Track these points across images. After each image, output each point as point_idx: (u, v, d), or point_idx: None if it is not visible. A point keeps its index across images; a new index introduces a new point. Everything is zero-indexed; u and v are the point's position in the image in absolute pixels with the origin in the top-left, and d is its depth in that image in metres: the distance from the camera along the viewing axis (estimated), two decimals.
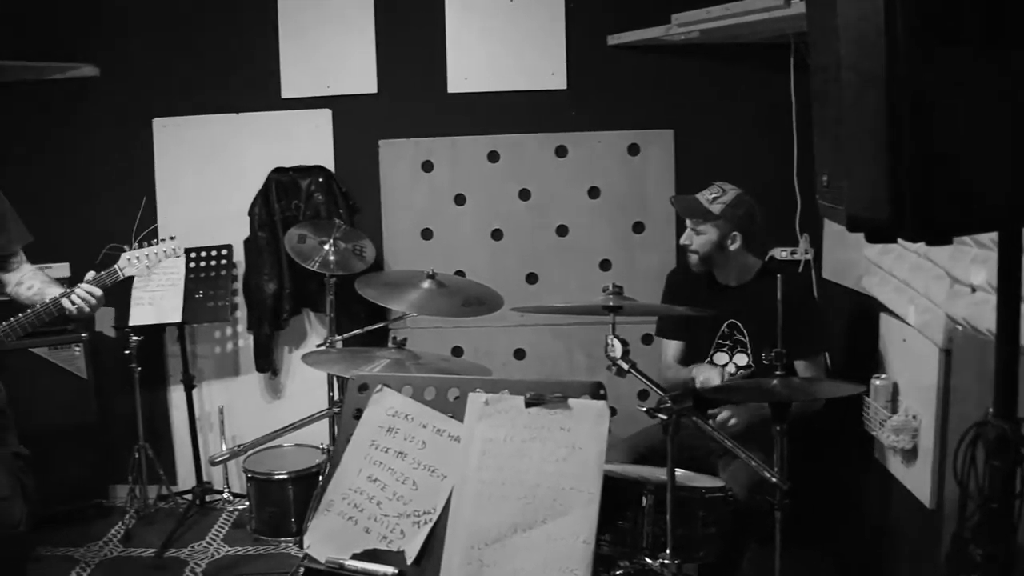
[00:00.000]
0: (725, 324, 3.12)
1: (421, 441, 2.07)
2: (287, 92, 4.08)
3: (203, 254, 4.00)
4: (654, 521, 2.27)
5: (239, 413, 4.26)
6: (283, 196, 4.06)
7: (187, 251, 3.98)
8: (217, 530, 3.91)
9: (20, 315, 2.69)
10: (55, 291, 2.76)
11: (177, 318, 3.89)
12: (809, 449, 3.04)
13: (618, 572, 2.37)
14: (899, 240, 1.59)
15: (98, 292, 2.75)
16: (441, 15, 3.98)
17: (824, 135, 1.46)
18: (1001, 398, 1.44)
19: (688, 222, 3.12)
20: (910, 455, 2.77)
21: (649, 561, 2.25)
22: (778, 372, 2.40)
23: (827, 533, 3.46)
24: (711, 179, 3.18)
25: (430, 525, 1.96)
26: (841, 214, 1.38)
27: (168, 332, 4.18)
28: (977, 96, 1.19)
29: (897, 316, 2.89)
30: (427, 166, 4.08)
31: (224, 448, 4.15)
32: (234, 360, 4.28)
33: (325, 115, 4.09)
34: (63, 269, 3.92)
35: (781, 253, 3.88)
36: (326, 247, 3.60)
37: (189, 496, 4.07)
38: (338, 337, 3.50)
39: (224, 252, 4.02)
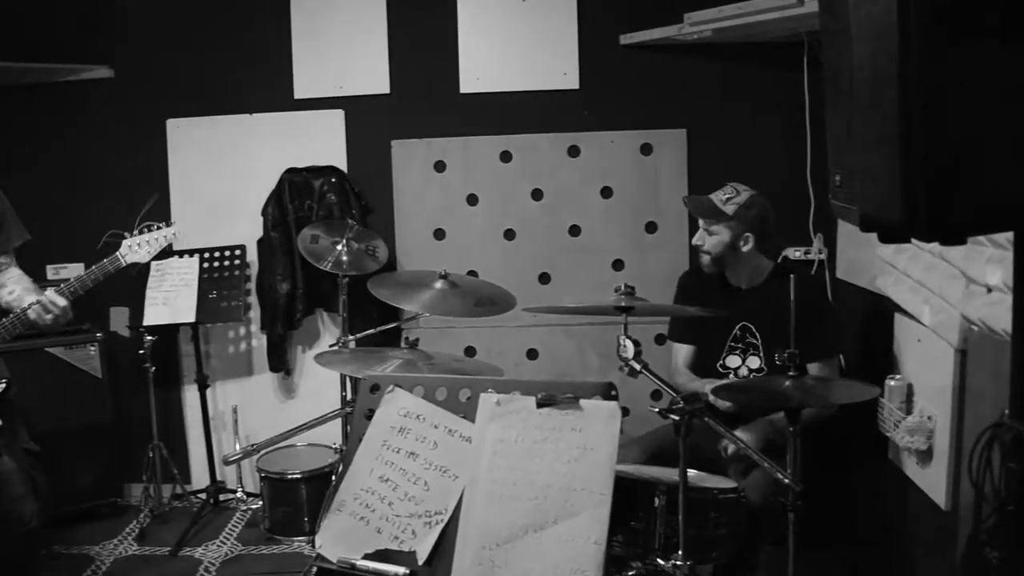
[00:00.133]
0: (737, 327, 3.10)
1: (433, 441, 2.07)
2: (300, 93, 4.10)
3: (216, 254, 4.03)
4: (666, 522, 2.26)
5: (252, 413, 4.28)
6: (296, 196, 4.08)
7: (200, 251, 4.02)
8: (231, 529, 3.93)
9: None
10: (33, 299, 2.75)
11: (191, 318, 3.91)
12: (823, 450, 3.02)
13: (630, 573, 2.35)
14: (913, 240, 1.58)
15: (60, 302, 2.71)
16: (453, 15, 3.99)
17: (837, 134, 1.45)
18: (1017, 399, 1.43)
19: (701, 222, 3.11)
20: (925, 456, 2.75)
21: (661, 562, 2.24)
22: (791, 373, 2.38)
23: (841, 535, 3.44)
24: (724, 179, 3.16)
25: (441, 525, 1.96)
26: (854, 214, 1.37)
27: (182, 332, 4.20)
28: (990, 93, 1.18)
29: (912, 316, 2.87)
30: (439, 166, 4.09)
31: (237, 447, 4.17)
32: (247, 360, 4.30)
33: (338, 115, 4.10)
34: (78, 269, 3.94)
35: (795, 253, 3.87)
36: (339, 247, 3.60)
37: (203, 495, 4.09)
38: (351, 337, 3.51)
39: (237, 252, 4.04)
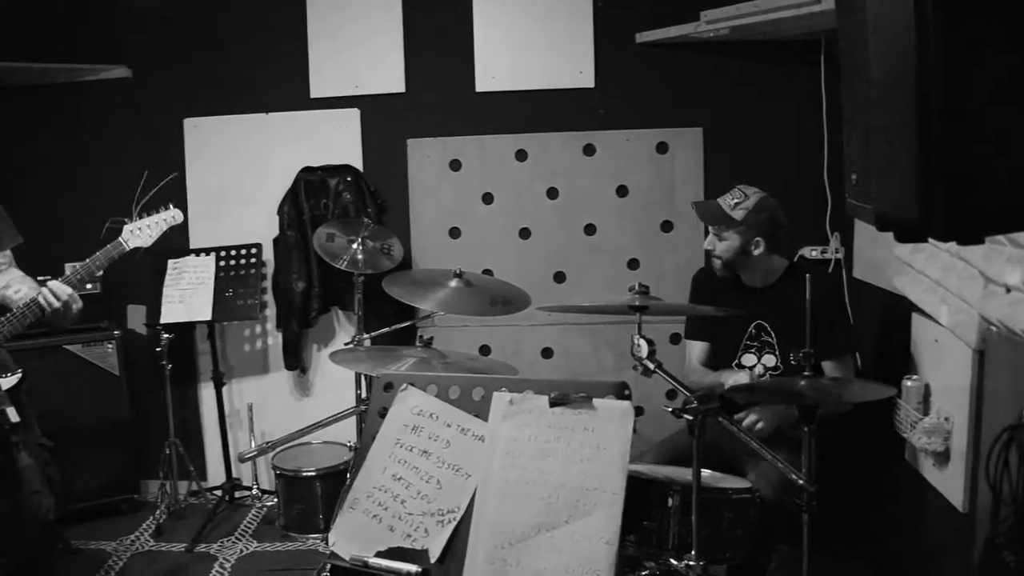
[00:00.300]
0: (752, 325, 3.08)
1: (446, 440, 2.07)
2: (316, 92, 4.11)
3: (233, 253, 4.05)
4: (680, 522, 2.25)
5: (268, 410, 4.30)
6: (312, 195, 4.09)
7: (217, 250, 4.04)
8: (246, 526, 3.95)
9: (1, 318, 2.72)
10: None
11: (207, 316, 3.93)
12: (838, 450, 3.00)
13: (644, 573, 2.35)
14: (931, 239, 1.56)
15: (67, 288, 2.72)
16: (469, 14, 3.99)
17: (853, 133, 1.43)
18: None
19: (711, 228, 3.09)
20: (942, 458, 2.72)
21: (674, 562, 2.23)
22: (806, 373, 2.37)
23: (857, 536, 3.42)
24: (740, 178, 3.14)
25: (454, 524, 1.96)
26: (870, 213, 1.36)
27: (198, 330, 4.23)
28: (1009, 91, 1.16)
29: (929, 316, 2.85)
30: (455, 165, 4.09)
31: (253, 445, 4.18)
32: (263, 358, 4.32)
33: (353, 114, 4.11)
34: None
35: (811, 252, 3.84)
36: (354, 246, 3.61)
37: (219, 492, 4.11)
38: (366, 335, 3.52)
39: (253, 251, 4.06)
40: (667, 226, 4.01)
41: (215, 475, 4.28)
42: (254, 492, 4.19)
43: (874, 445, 3.28)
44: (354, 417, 3.26)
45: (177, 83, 4.16)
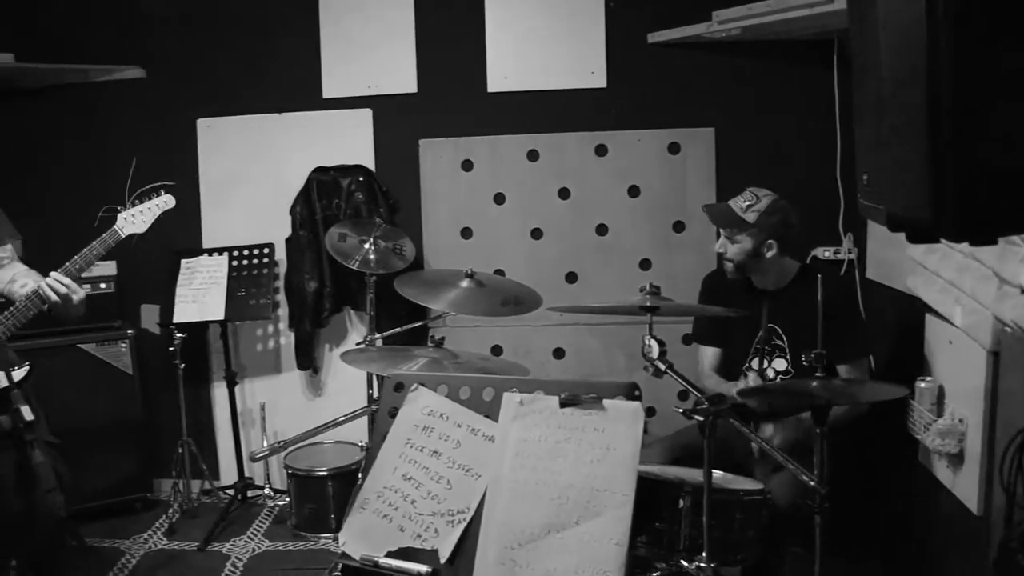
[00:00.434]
0: (763, 328, 3.07)
1: (456, 440, 2.07)
2: (328, 92, 4.12)
3: (245, 253, 4.07)
4: (691, 523, 2.25)
5: (280, 410, 4.31)
6: (324, 195, 4.10)
7: (230, 250, 4.06)
8: (258, 525, 3.97)
9: (5, 312, 2.73)
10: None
11: (220, 316, 3.95)
12: (852, 452, 2.99)
13: (655, 574, 2.34)
14: (944, 239, 1.55)
15: (65, 281, 2.73)
16: (481, 15, 3.99)
17: (865, 133, 1.42)
18: None
19: (722, 231, 3.07)
20: (956, 460, 2.70)
21: (685, 564, 2.23)
22: (818, 374, 2.35)
23: (870, 538, 3.40)
24: (752, 178, 3.12)
25: (464, 524, 1.96)
26: (882, 214, 1.35)
27: (211, 329, 4.25)
28: (1020, 90, 1.15)
29: (943, 317, 2.83)
30: (467, 165, 4.09)
31: (265, 444, 4.20)
32: (275, 357, 4.33)
33: (366, 115, 4.12)
34: (109, 267, 3.99)
35: (824, 253, 3.82)
36: (366, 246, 3.62)
37: (231, 491, 4.12)
38: (378, 335, 3.52)
39: (266, 251, 4.08)
40: (679, 227, 4.00)
41: (227, 474, 4.30)
42: (266, 491, 4.20)
43: (887, 447, 3.26)
44: (366, 417, 3.27)
45: (191, 83, 4.18)
